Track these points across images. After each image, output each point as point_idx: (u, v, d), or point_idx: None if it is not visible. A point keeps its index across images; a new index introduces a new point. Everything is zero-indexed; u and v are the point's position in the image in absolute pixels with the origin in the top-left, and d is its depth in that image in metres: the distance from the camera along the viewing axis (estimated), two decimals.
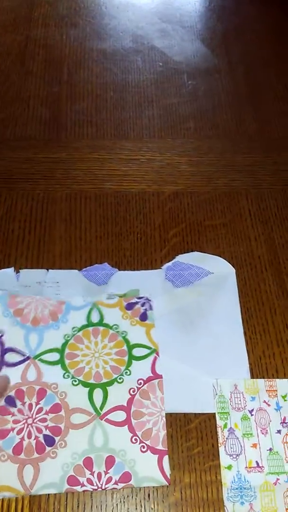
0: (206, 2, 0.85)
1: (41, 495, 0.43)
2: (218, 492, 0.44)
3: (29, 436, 0.45)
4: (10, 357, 0.48)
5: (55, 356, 0.49)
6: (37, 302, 0.51)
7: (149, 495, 0.44)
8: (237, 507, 0.43)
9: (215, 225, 0.59)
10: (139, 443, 0.45)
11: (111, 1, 0.83)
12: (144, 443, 0.45)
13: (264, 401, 0.48)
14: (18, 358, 0.48)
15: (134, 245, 0.57)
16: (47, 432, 0.45)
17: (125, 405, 0.47)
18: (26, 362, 0.48)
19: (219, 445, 0.46)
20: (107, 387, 0.47)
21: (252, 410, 0.47)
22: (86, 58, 0.75)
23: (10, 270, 0.54)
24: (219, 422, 0.47)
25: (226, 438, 0.46)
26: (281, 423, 0.47)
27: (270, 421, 0.47)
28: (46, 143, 0.65)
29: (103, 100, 0.70)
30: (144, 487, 0.44)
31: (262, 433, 0.46)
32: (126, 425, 0.46)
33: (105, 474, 0.44)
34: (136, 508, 0.44)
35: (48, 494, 0.44)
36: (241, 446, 0.46)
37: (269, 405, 0.48)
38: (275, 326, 0.53)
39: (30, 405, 0.46)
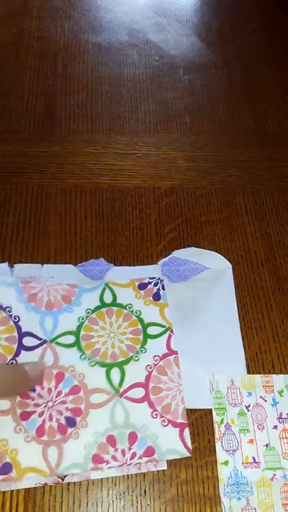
0: None
1: (36, 492, 0.43)
2: (214, 488, 0.44)
3: (50, 419, 0.45)
4: (27, 341, 0.48)
5: (70, 339, 0.49)
6: (49, 288, 0.51)
7: (145, 491, 0.44)
8: (234, 503, 0.43)
9: (211, 220, 0.59)
10: (160, 418, 0.45)
11: None
12: (164, 417, 0.45)
13: (261, 396, 0.48)
14: (35, 342, 0.48)
15: (130, 240, 0.57)
16: (68, 414, 0.45)
17: (143, 381, 0.47)
18: (43, 346, 0.48)
19: (215, 440, 0.46)
20: (124, 366, 0.47)
21: (249, 405, 0.47)
22: (81, 51, 0.75)
23: (5, 265, 0.53)
24: (216, 418, 0.46)
25: (223, 434, 0.46)
26: (277, 418, 0.47)
27: (266, 416, 0.47)
28: (40, 137, 0.64)
29: (98, 94, 0.70)
30: (140, 484, 0.44)
31: (259, 429, 0.46)
32: (146, 401, 0.46)
33: (129, 450, 0.44)
34: (132, 504, 0.43)
35: (43, 491, 0.43)
36: (237, 441, 0.45)
37: (265, 400, 0.47)
38: (271, 321, 0.53)
39: (50, 389, 0.46)
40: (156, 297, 0.52)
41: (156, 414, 0.45)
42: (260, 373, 0.49)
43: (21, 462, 0.43)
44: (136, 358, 0.48)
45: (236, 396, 0.47)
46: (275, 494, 0.43)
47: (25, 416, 0.45)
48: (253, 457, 0.45)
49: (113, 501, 0.43)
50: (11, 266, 0.53)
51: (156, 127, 0.67)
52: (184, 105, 0.70)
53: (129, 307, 0.51)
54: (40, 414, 0.45)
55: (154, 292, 0.52)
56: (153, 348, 0.49)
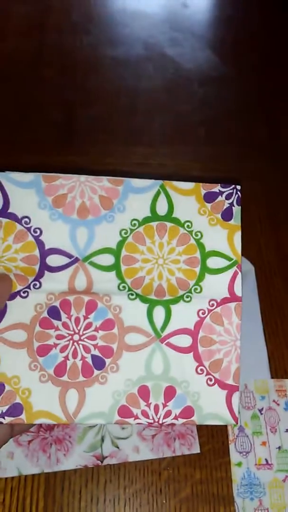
0: (216, 11, 0.87)
1: (55, 488, 0.45)
2: (228, 488, 0.46)
3: (75, 356, 0.37)
4: (53, 260, 0.38)
5: (109, 259, 0.39)
6: (84, 185, 0.40)
7: (161, 490, 0.45)
8: (247, 503, 0.44)
9: None
10: (206, 375, 0.38)
11: (124, 9, 0.85)
12: (211, 375, 0.38)
13: (274, 400, 0.49)
14: (63, 260, 0.39)
15: None
16: (96, 352, 0.38)
17: (192, 328, 0.38)
18: (74, 266, 0.38)
19: (229, 442, 0.47)
20: (171, 305, 0.39)
21: (262, 409, 0.49)
22: (99, 65, 0.77)
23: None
24: None
25: (236, 436, 0.47)
26: None
27: (279, 420, 0.48)
28: (59, 148, 0.67)
29: (116, 106, 0.72)
30: (156, 482, 0.45)
31: (271, 432, 0.48)
32: (192, 352, 0.38)
33: (164, 407, 0.37)
34: (148, 502, 0.45)
35: (63, 487, 0.45)
36: (250, 444, 0.47)
37: (278, 404, 0.49)
38: (284, 329, 0.54)
39: (77, 319, 0.38)
40: (227, 215, 0.40)
41: (202, 370, 0.38)
42: (272, 378, 0.51)
43: (33, 404, 0.36)
44: (187, 299, 0.39)
45: (250, 399, 0.49)
46: (287, 495, 0.45)
47: (44, 350, 0.37)
48: (265, 459, 0.46)
49: (129, 498, 0.45)
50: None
51: (171, 139, 0.69)
52: (199, 117, 0.72)
53: (187, 226, 0.40)
54: (63, 349, 0.37)
55: (225, 207, 0.40)
56: (211, 288, 0.39)
